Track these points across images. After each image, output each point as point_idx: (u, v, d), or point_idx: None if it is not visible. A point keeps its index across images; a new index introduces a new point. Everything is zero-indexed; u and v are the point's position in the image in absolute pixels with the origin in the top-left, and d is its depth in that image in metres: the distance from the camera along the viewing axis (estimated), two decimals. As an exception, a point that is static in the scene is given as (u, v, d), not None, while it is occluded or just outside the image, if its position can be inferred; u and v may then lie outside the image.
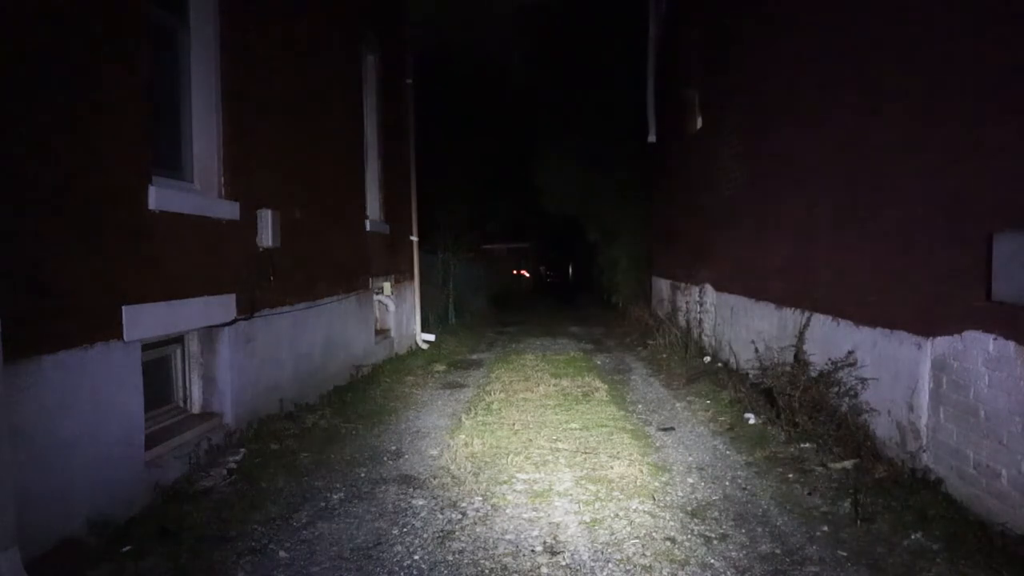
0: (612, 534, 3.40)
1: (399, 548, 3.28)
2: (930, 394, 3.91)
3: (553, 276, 34.37)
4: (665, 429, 5.40)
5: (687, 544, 3.29)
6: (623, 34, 14.74)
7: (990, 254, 3.33)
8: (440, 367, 8.44)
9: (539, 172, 18.52)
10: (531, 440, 5.05)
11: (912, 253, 4.09)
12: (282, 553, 3.23)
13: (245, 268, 5.02)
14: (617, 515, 3.63)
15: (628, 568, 3.06)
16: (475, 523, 3.56)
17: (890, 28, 4.40)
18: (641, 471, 4.33)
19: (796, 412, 4.99)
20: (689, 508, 3.74)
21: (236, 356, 4.87)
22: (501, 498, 3.90)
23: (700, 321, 9.13)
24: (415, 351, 9.66)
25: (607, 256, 17.27)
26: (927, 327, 3.93)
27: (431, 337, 10.34)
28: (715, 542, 3.31)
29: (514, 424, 5.52)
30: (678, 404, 6.31)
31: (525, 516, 3.64)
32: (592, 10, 16.20)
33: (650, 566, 3.07)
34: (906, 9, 4.23)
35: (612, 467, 4.41)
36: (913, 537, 3.25)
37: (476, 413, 5.91)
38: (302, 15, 6.31)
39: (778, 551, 3.21)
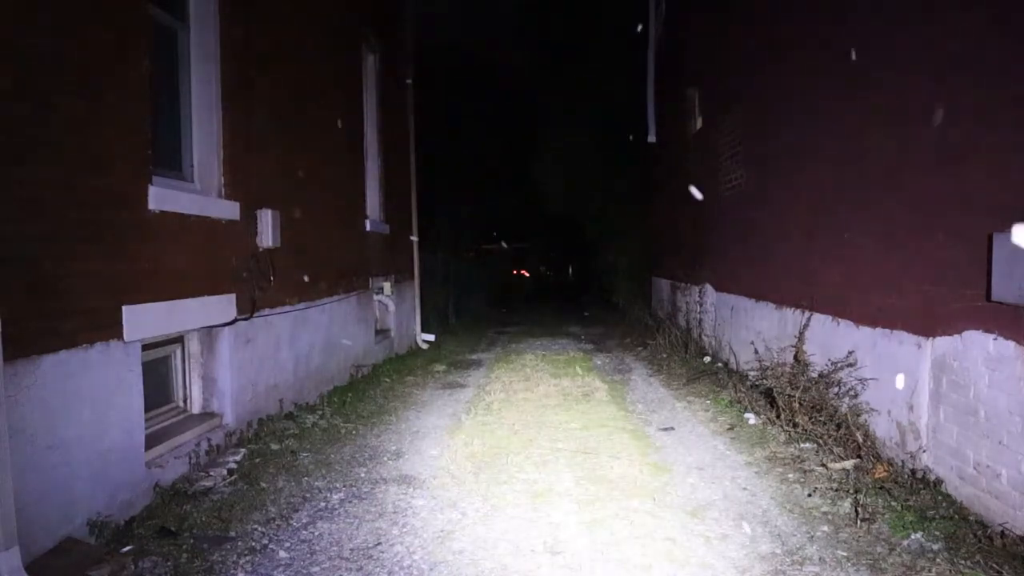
0: (612, 534, 3.40)
1: (399, 548, 3.28)
2: (930, 394, 3.91)
3: (553, 276, 34.38)
4: (665, 429, 5.39)
5: (687, 544, 3.29)
6: (623, 34, 14.75)
7: (990, 254, 3.33)
8: (440, 367, 8.44)
9: (539, 172, 18.52)
10: (531, 440, 5.05)
11: (912, 253, 4.09)
12: (282, 553, 3.23)
13: (245, 268, 5.02)
14: (617, 515, 3.63)
15: (628, 568, 3.05)
16: (475, 523, 3.56)
17: (889, 27, 4.40)
18: (641, 471, 4.33)
19: (796, 412, 4.99)
20: (689, 508, 3.74)
21: (236, 356, 4.87)
22: (501, 498, 3.89)
23: (700, 321, 9.13)
24: (415, 351, 9.66)
25: (607, 256, 17.27)
26: (927, 327, 3.93)
27: (431, 337, 10.33)
28: (715, 542, 3.31)
29: (514, 424, 5.52)
30: (678, 404, 6.31)
31: (525, 516, 3.64)
32: (592, 10, 16.21)
33: (650, 566, 3.07)
34: (907, 10, 4.23)
35: (612, 467, 4.41)
36: (913, 537, 3.25)
37: (476, 413, 5.91)
38: (302, 15, 6.31)
39: (778, 551, 3.21)
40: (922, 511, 3.50)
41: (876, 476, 4.02)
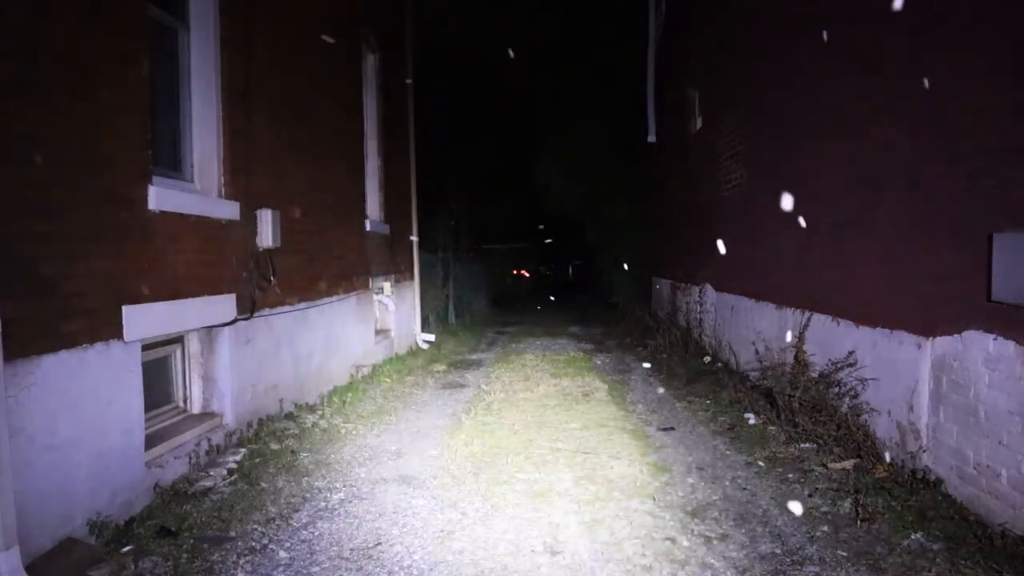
0: (612, 534, 3.40)
1: (399, 548, 3.28)
2: (930, 394, 3.91)
3: (553, 276, 34.44)
4: (665, 429, 5.39)
5: (687, 544, 3.29)
6: (623, 34, 14.76)
7: (990, 254, 3.33)
8: (440, 367, 8.44)
9: (540, 172, 18.54)
10: (531, 440, 5.05)
11: (912, 253, 4.09)
12: (282, 553, 3.24)
13: (245, 268, 5.02)
14: (617, 515, 3.63)
15: (628, 568, 3.05)
16: (475, 523, 3.56)
17: (887, 26, 4.40)
18: (641, 471, 4.33)
19: (796, 412, 4.99)
20: (689, 508, 3.74)
21: (236, 356, 4.87)
22: (501, 498, 3.89)
23: (700, 321, 9.13)
24: (415, 351, 9.66)
25: (607, 256, 17.29)
26: (927, 327, 3.92)
27: (431, 337, 10.33)
28: (715, 542, 3.31)
29: (514, 424, 5.52)
30: (678, 404, 6.31)
31: (525, 516, 3.64)
32: (592, 11, 16.22)
33: (650, 566, 3.07)
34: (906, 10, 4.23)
35: (612, 467, 4.41)
36: (913, 537, 3.25)
37: (476, 413, 5.91)
38: (302, 15, 6.31)
39: (778, 551, 3.21)
40: (922, 511, 3.50)
41: (876, 476, 4.02)
